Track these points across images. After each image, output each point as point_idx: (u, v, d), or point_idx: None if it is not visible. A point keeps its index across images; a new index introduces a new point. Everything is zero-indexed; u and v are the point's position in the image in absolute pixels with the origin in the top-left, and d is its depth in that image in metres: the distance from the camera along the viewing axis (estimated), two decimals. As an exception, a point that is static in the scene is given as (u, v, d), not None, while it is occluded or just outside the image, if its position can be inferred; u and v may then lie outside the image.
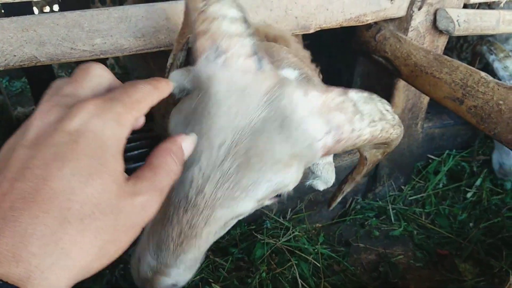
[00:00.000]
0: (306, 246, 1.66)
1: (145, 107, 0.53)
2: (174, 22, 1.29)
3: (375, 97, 0.86)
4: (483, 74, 1.39)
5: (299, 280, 1.56)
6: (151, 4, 1.26)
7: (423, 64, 1.55)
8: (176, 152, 0.55)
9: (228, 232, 1.80)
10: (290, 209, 1.95)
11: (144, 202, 0.47)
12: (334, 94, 0.77)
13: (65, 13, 1.16)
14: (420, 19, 1.70)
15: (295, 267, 1.58)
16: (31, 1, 3.31)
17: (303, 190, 1.91)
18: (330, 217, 2.17)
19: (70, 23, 1.17)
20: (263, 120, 0.73)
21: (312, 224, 2.00)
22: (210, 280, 1.42)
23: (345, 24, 1.58)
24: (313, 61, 2.42)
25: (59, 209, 0.40)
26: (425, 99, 1.96)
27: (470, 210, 2.04)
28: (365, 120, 0.79)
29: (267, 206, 1.88)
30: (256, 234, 1.70)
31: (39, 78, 3.13)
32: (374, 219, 2.06)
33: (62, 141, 0.43)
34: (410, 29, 1.71)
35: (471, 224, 2.00)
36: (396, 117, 0.88)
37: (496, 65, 1.89)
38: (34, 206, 0.39)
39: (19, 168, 0.42)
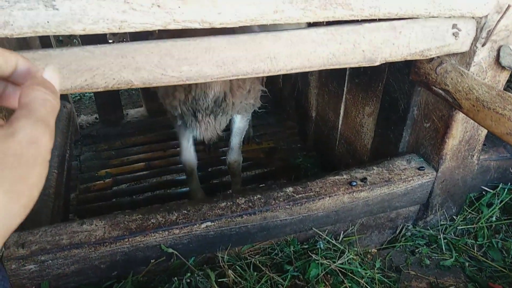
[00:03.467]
0: (359, 270, 1.71)
1: None
2: (252, 53, 1.40)
3: None
4: (549, 113, 1.42)
5: (352, 303, 1.61)
6: (233, 36, 1.37)
7: (485, 100, 1.59)
8: (41, 83, 0.56)
9: (282, 250, 1.88)
10: (342, 232, 2.01)
11: (28, 136, 0.48)
12: None
13: (159, 42, 1.30)
14: (483, 55, 1.74)
15: (348, 289, 1.63)
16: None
17: (356, 214, 1.97)
18: (379, 242, 2.20)
19: (163, 51, 1.30)
20: None
21: (362, 248, 2.04)
22: (270, 295, 1.50)
23: (409, 58, 1.64)
24: (368, 87, 2.53)
25: None
26: (483, 132, 1.98)
27: (525, 246, 2.03)
28: None
29: (320, 227, 1.94)
30: (310, 254, 1.77)
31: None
32: (424, 247, 2.08)
33: None
34: (472, 64, 1.74)
35: (525, 260, 1.98)
36: None
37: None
38: None
39: None
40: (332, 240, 1.91)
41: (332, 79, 2.92)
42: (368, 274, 1.74)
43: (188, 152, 2.69)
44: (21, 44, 2.44)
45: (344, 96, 2.77)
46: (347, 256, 1.74)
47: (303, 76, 3.44)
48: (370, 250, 1.95)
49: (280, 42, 1.42)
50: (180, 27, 1.24)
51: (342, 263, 1.72)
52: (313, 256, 1.75)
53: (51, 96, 0.55)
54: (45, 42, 3.11)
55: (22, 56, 0.60)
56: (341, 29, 1.49)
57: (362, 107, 2.58)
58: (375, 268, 1.77)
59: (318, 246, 1.85)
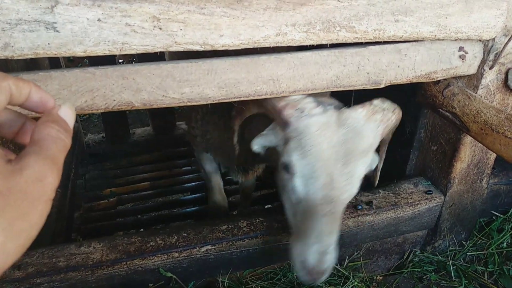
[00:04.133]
0: (365, 298, 1.66)
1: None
2: (254, 75, 1.38)
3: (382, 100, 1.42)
4: (559, 138, 1.38)
5: (356, 332, 1.55)
6: (235, 57, 1.36)
7: (493, 123, 1.55)
8: (56, 121, 0.57)
9: (285, 275, 1.83)
10: (347, 257, 1.95)
11: (35, 173, 0.48)
12: (367, 106, 1.37)
13: (161, 64, 1.29)
14: (490, 78, 1.71)
15: (352, 318, 1.57)
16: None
17: (361, 238, 1.92)
18: (386, 267, 2.14)
19: (164, 73, 1.29)
20: (344, 135, 1.27)
21: (368, 274, 1.98)
22: (271, 323, 1.45)
23: (415, 81, 1.61)
24: None
25: None
26: (492, 155, 1.93)
27: (538, 274, 1.95)
28: (389, 111, 1.41)
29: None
30: (314, 280, 1.71)
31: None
32: (433, 273, 2.01)
33: None
34: (480, 87, 1.72)
35: (538, 289, 1.90)
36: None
37: None
38: None
39: None
40: (337, 265, 1.85)
41: (339, 100, 2.89)
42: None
43: (216, 173, 2.44)
44: (28, 62, 2.46)
45: (350, 117, 2.74)
46: (352, 283, 1.68)
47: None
48: (375, 277, 1.89)
49: (283, 64, 1.40)
50: (181, 49, 1.24)
51: (346, 290, 1.67)
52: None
53: (63, 135, 0.56)
54: (54, 60, 3.14)
55: (35, 85, 0.60)
56: (345, 51, 1.48)
57: (369, 129, 2.55)
58: (380, 297, 1.71)
59: (322, 271, 1.80)
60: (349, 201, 1.88)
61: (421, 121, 2.03)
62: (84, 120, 5.19)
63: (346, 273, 1.78)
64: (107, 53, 1.17)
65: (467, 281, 1.96)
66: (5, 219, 0.43)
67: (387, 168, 2.43)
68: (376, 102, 1.40)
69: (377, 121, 1.35)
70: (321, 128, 1.25)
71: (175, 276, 1.59)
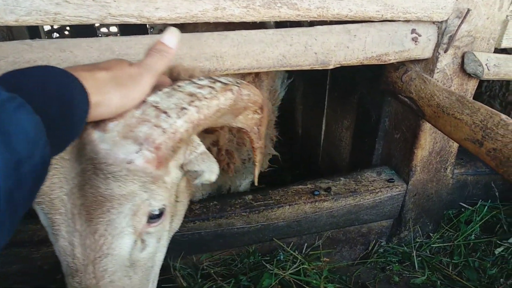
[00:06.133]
0: (315, 281, 1.63)
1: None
2: (197, 51, 1.39)
3: (184, 84, 0.88)
4: (503, 116, 1.35)
5: (304, 316, 1.52)
6: (177, 34, 1.37)
7: (445, 105, 1.53)
8: (158, 46, 0.91)
9: (241, 261, 1.81)
10: (306, 244, 1.93)
11: (136, 71, 0.82)
12: (132, 111, 0.79)
13: (100, 38, 1.31)
14: (446, 62, 1.69)
15: (301, 301, 1.55)
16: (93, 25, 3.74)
17: (320, 225, 1.90)
18: (351, 258, 2.11)
19: (103, 47, 1.30)
20: (81, 173, 0.77)
21: (332, 264, 1.95)
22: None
23: (365, 62, 1.61)
24: (346, 101, 2.42)
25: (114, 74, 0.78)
26: (455, 144, 1.91)
27: (501, 265, 1.90)
28: (172, 114, 0.80)
29: (281, 238, 1.84)
30: (266, 264, 1.70)
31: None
32: (396, 264, 1.98)
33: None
34: (436, 71, 1.70)
35: (502, 280, 1.85)
36: (221, 81, 0.92)
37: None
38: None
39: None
40: (294, 252, 1.83)
41: (315, 94, 2.89)
42: (323, 285, 1.65)
43: None
44: (5, 36, 2.46)
45: (325, 111, 2.74)
46: (301, 265, 1.66)
47: (289, 93, 3.43)
48: (322, 259, 1.85)
49: (226, 41, 1.41)
50: (118, 22, 1.25)
51: (296, 273, 1.64)
52: (268, 266, 1.68)
53: (161, 55, 0.89)
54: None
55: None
56: (292, 30, 1.48)
57: (341, 121, 2.54)
58: (322, 277, 1.67)
59: (278, 257, 1.78)
60: (308, 187, 1.88)
61: (385, 110, 2.02)
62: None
63: (302, 258, 1.76)
64: (39, 23, 1.18)
65: (430, 272, 1.93)
66: (122, 88, 0.77)
67: (354, 159, 2.42)
68: (153, 97, 0.84)
69: (138, 137, 0.78)
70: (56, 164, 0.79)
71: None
